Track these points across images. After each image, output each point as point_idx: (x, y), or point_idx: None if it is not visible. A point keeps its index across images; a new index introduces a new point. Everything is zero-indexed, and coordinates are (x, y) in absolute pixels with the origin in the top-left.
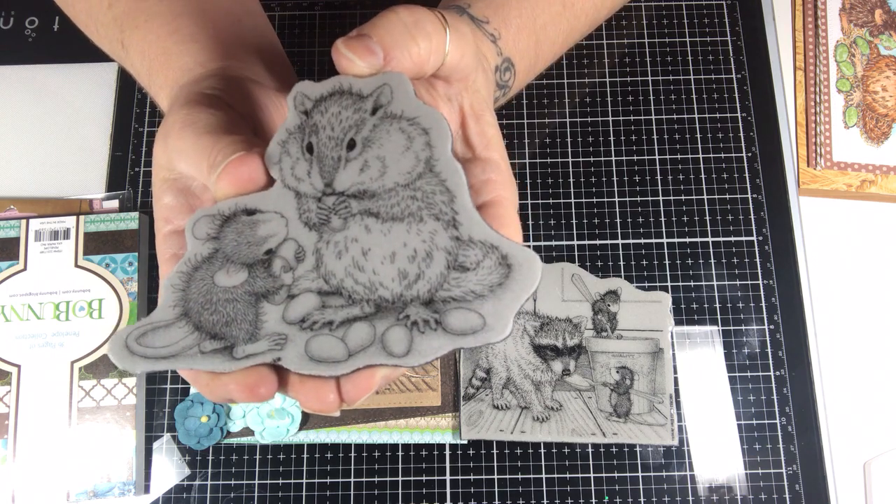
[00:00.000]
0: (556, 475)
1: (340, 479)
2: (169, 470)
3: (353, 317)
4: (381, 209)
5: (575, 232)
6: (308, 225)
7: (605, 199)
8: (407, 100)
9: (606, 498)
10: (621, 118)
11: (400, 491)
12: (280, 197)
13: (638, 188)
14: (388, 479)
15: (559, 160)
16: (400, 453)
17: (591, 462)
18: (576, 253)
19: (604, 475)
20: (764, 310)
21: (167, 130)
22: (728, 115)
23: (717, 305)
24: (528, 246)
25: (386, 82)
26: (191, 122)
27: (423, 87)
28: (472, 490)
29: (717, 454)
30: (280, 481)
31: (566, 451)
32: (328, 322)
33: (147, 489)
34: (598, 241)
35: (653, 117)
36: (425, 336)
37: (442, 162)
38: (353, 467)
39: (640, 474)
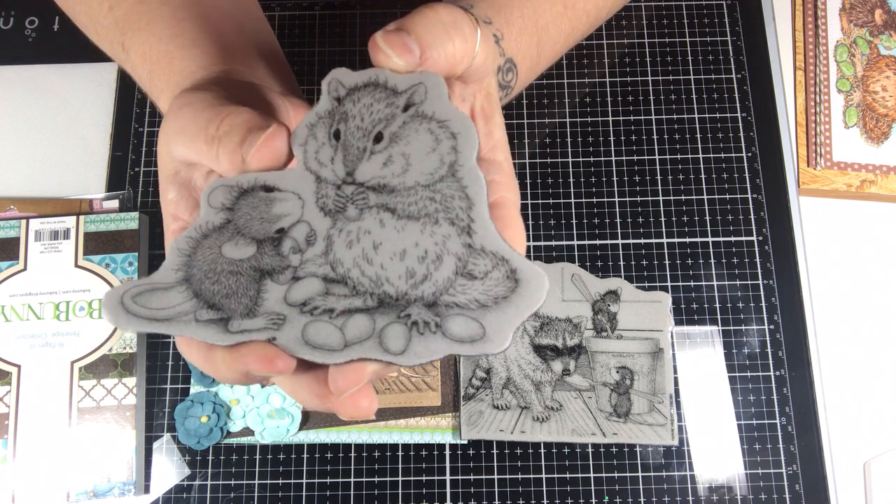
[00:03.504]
0: (556, 475)
1: (340, 479)
2: (169, 470)
3: (355, 308)
4: (398, 205)
5: (575, 232)
6: (323, 210)
7: (605, 199)
8: (440, 102)
9: (606, 498)
10: (621, 118)
11: (400, 491)
12: (300, 179)
13: (638, 188)
14: (388, 479)
15: (559, 160)
16: (400, 453)
17: (591, 462)
18: (576, 253)
19: (604, 475)
20: (764, 310)
21: (165, 119)
22: (728, 115)
23: (717, 305)
24: (528, 246)
25: (422, 81)
26: (187, 103)
27: None
28: (472, 490)
29: (717, 454)
30: (280, 481)
31: (566, 451)
32: (329, 309)
33: (147, 489)
34: (598, 241)
35: (653, 117)
36: (424, 337)
37: (466, 168)
38: (353, 467)
39: (640, 474)
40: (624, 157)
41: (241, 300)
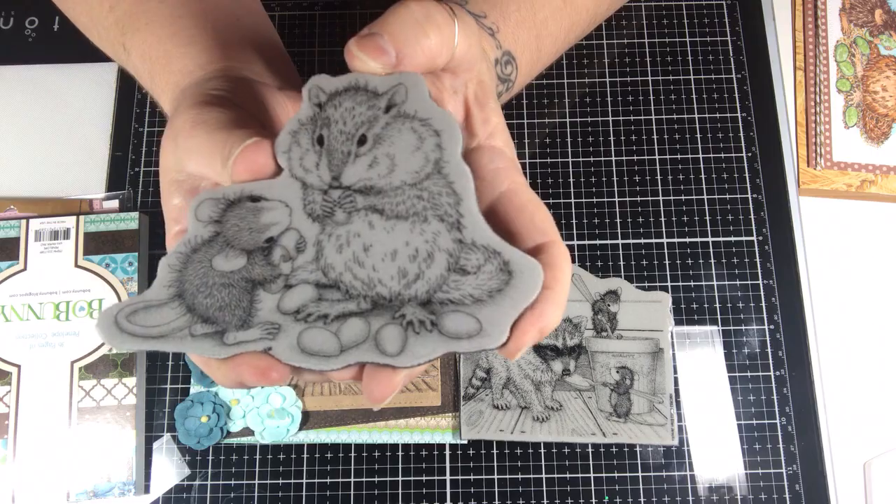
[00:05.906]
0: (556, 475)
1: (340, 479)
2: (169, 470)
3: (349, 312)
4: (386, 206)
5: (575, 232)
6: (312, 216)
7: (605, 199)
8: (421, 100)
9: (606, 498)
10: (621, 118)
11: (400, 491)
12: (286, 187)
13: (638, 188)
14: (388, 479)
15: (559, 160)
16: (400, 453)
17: (591, 462)
18: (576, 253)
19: (604, 475)
20: (764, 310)
21: (176, 131)
22: (728, 115)
23: (717, 305)
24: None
25: (402, 82)
26: (202, 121)
27: (428, 80)
28: (472, 490)
29: (717, 454)
30: (280, 481)
31: (566, 451)
32: (323, 315)
33: (147, 489)
34: (598, 241)
35: (653, 117)
36: (420, 337)
37: (451, 164)
38: (353, 467)
39: (640, 474)
40: (624, 157)
41: (235, 312)
